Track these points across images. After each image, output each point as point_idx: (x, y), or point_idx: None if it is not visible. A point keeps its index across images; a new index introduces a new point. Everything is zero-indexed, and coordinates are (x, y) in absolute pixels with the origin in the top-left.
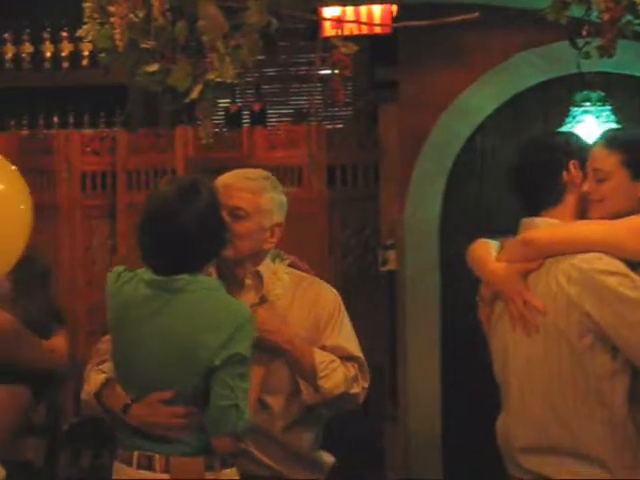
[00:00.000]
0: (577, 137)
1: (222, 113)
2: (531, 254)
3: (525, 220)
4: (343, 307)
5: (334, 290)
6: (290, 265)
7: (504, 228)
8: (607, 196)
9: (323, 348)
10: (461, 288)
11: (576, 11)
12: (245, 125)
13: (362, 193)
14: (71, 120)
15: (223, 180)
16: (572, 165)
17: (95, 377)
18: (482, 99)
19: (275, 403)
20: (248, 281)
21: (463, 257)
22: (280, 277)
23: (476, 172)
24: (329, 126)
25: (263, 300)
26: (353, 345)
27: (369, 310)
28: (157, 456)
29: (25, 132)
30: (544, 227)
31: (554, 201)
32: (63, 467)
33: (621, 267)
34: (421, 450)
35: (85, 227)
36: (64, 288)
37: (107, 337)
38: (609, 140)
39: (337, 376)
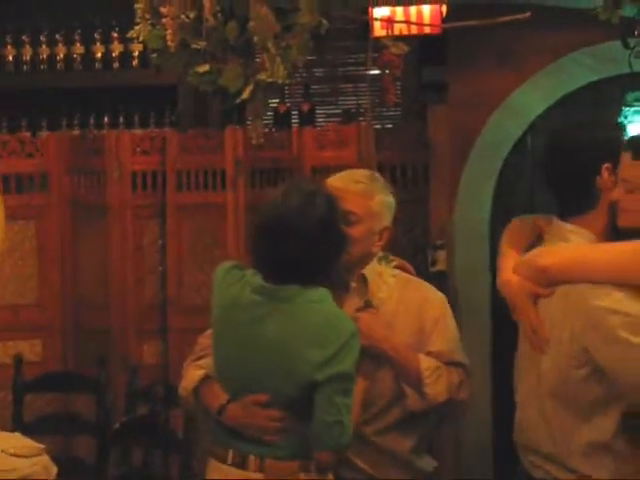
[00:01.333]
0: (618, 133)
1: (271, 113)
2: (545, 281)
3: (555, 222)
4: (450, 311)
5: (440, 294)
6: (397, 267)
7: None
8: (635, 208)
9: (428, 354)
10: None
11: (628, 10)
12: (294, 125)
13: (411, 193)
14: (121, 120)
15: (332, 184)
16: (605, 170)
17: (193, 373)
18: (532, 99)
19: (375, 407)
20: (354, 284)
21: None
22: (385, 280)
23: (526, 173)
24: (378, 126)
25: (368, 304)
26: (458, 351)
27: None
28: (252, 456)
29: (76, 132)
30: (561, 250)
31: (586, 207)
32: (114, 465)
33: (629, 306)
34: (472, 453)
35: (135, 227)
36: (114, 288)
37: (209, 332)
38: (637, 149)
39: (442, 383)
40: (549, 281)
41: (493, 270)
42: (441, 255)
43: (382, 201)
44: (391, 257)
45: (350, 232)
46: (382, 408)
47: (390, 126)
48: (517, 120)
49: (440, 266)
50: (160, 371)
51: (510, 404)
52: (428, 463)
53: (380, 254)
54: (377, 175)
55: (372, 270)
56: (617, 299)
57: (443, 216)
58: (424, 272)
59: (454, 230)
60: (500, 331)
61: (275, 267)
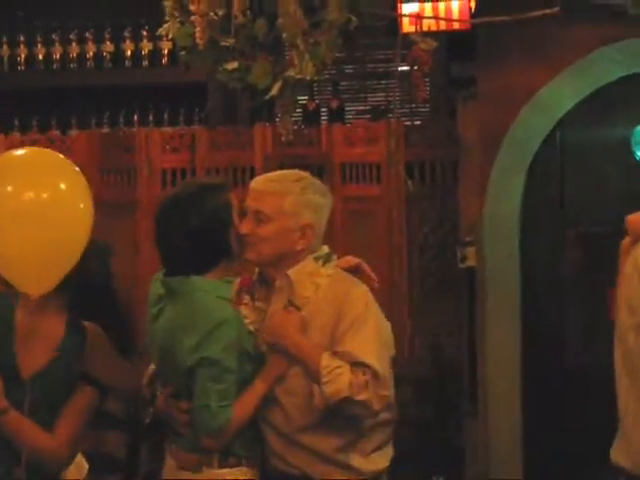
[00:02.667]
0: None
1: (300, 110)
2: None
3: None
4: (372, 313)
5: (367, 295)
6: (347, 268)
7: (583, 223)
8: None
9: (335, 353)
10: (541, 285)
11: None
12: (323, 122)
13: (440, 190)
14: (151, 118)
15: (251, 183)
16: None
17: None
18: (562, 95)
19: (290, 404)
20: (278, 283)
21: (543, 253)
22: (314, 280)
23: (556, 168)
24: (407, 123)
25: (291, 304)
26: (367, 352)
27: (449, 307)
28: (173, 446)
29: (106, 130)
30: None
31: None
32: (145, 461)
33: None
34: (501, 447)
35: None
36: (145, 286)
37: None
38: None
39: (340, 381)
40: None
41: (522, 265)
42: (471, 251)
43: (297, 200)
44: (334, 257)
45: (260, 230)
46: (297, 405)
47: (419, 122)
48: (546, 115)
49: (470, 262)
50: None
51: (541, 399)
52: (373, 463)
53: (320, 253)
54: (303, 175)
55: (301, 269)
56: None
57: (472, 212)
58: (454, 268)
59: (483, 225)
60: (529, 325)
61: (164, 258)
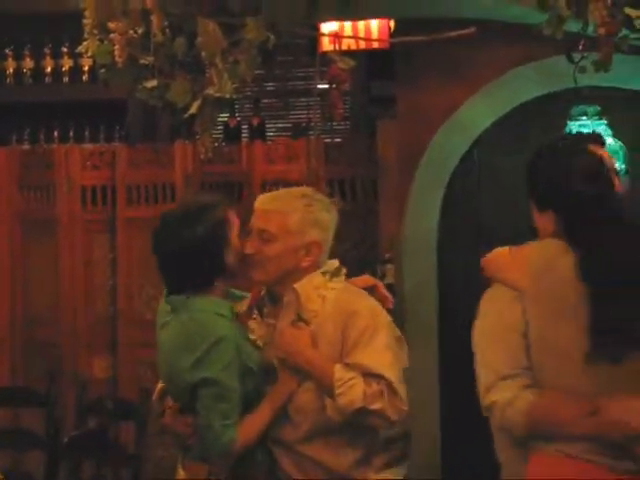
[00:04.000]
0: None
1: (221, 127)
2: None
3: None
4: (380, 325)
5: (374, 307)
6: (355, 282)
7: (502, 240)
8: None
9: (347, 365)
10: (460, 301)
11: (572, 26)
12: (244, 139)
13: (360, 207)
14: (71, 134)
15: (255, 202)
16: None
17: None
18: (478, 114)
19: (301, 421)
20: (286, 299)
21: (461, 269)
22: (321, 293)
23: (473, 186)
24: (327, 140)
25: (299, 318)
26: (380, 363)
27: None
28: (185, 460)
29: (26, 147)
30: None
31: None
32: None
33: None
34: (421, 465)
35: (85, 241)
36: (64, 302)
37: None
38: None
39: (354, 392)
40: None
41: (440, 282)
42: (390, 269)
43: (302, 218)
44: (343, 271)
45: (266, 250)
46: (308, 421)
47: (339, 140)
48: (463, 134)
49: (389, 279)
50: (109, 385)
51: (459, 418)
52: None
53: (328, 267)
54: (308, 192)
55: (308, 283)
56: None
57: (392, 230)
58: None
59: (402, 244)
60: (448, 344)
61: (163, 278)
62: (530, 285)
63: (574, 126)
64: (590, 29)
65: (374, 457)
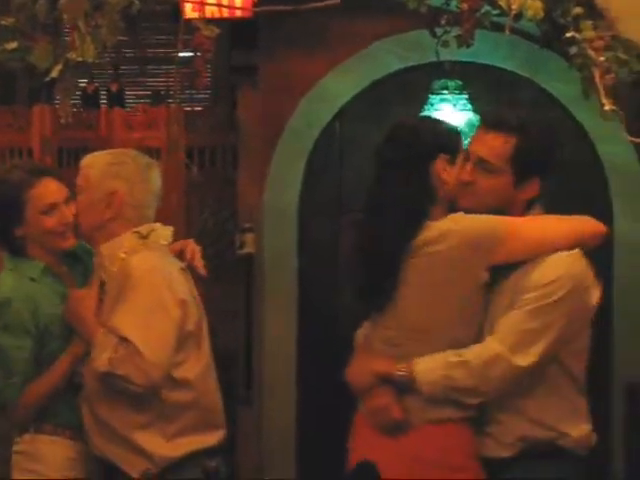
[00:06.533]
0: (442, 126)
1: (79, 93)
2: None
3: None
4: (146, 286)
5: (146, 268)
6: (175, 247)
7: (360, 211)
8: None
9: (105, 328)
10: (320, 271)
11: (436, 0)
12: (103, 105)
13: (220, 176)
14: None
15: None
16: (441, 161)
17: None
18: (341, 85)
19: (90, 377)
20: (95, 260)
21: (322, 239)
22: (121, 256)
23: (335, 157)
24: (188, 108)
25: (101, 281)
26: (129, 326)
27: (225, 294)
28: None
29: None
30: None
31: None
32: None
33: None
34: (275, 435)
35: None
36: None
37: None
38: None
39: (102, 357)
40: None
41: (300, 252)
42: (249, 237)
43: (102, 171)
44: (162, 234)
45: (76, 204)
46: (95, 379)
47: (200, 109)
48: (326, 105)
49: (248, 249)
50: None
51: (317, 387)
52: (174, 448)
53: (142, 230)
54: (123, 151)
55: (114, 244)
56: None
57: (252, 199)
58: (231, 255)
59: (263, 212)
60: (305, 314)
61: None
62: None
63: (436, 100)
64: (453, 4)
65: (163, 423)
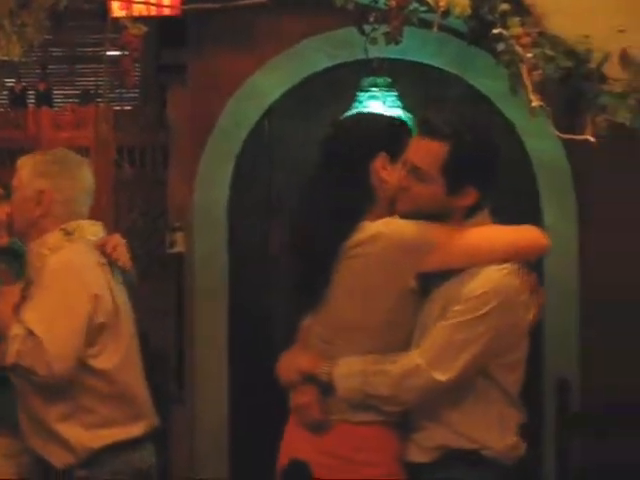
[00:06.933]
0: (383, 121)
1: (6, 93)
2: None
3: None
4: (58, 281)
5: (63, 266)
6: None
7: (290, 210)
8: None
9: (19, 321)
10: (250, 270)
11: None
12: (30, 105)
13: (150, 175)
14: None
15: None
16: (381, 159)
17: None
18: (270, 84)
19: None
20: (27, 257)
21: (252, 239)
22: (44, 252)
23: (265, 156)
24: (117, 107)
25: (28, 278)
26: (35, 320)
27: (155, 292)
28: None
29: None
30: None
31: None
32: None
33: None
34: (207, 434)
35: None
36: None
37: None
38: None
39: (11, 349)
40: None
41: (230, 252)
42: (179, 237)
43: (31, 169)
44: (89, 230)
45: (11, 203)
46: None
47: (129, 108)
48: (255, 104)
49: (178, 248)
50: None
51: (248, 386)
52: (95, 439)
53: (68, 227)
54: (55, 151)
55: (41, 241)
56: None
57: (182, 198)
58: (161, 254)
59: (193, 212)
60: (235, 313)
61: None
62: None
63: (364, 97)
64: (381, 1)
65: (82, 414)
